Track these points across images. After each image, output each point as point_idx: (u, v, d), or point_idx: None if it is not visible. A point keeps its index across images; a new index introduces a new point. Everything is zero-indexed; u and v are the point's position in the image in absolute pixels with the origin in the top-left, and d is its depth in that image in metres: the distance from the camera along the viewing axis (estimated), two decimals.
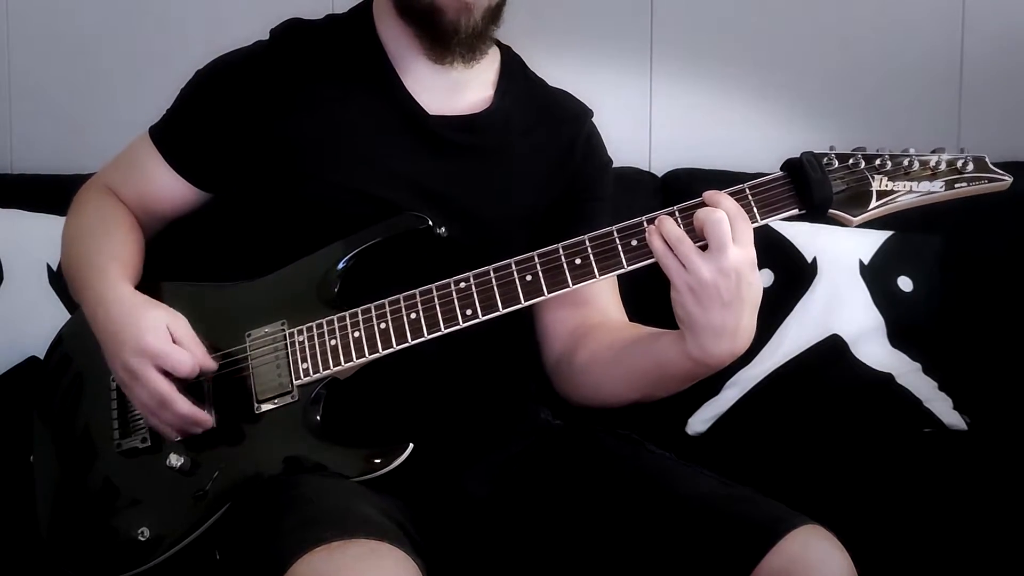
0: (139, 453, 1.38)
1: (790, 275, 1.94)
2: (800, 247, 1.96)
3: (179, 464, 1.33)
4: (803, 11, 2.22)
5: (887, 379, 1.90)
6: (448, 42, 1.38)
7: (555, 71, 1.56)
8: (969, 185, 1.24)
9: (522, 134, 1.46)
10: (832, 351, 1.91)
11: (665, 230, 1.20)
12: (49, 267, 1.85)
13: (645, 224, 1.23)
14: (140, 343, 1.32)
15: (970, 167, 1.23)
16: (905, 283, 1.95)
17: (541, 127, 1.48)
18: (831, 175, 1.22)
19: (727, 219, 1.18)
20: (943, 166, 1.23)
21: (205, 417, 1.33)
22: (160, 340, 1.32)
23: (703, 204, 1.21)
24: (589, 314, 1.43)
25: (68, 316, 1.58)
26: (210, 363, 1.35)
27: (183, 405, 1.32)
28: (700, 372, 1.27)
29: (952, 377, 1.93)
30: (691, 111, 2.22)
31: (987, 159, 1.25)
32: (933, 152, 1.24)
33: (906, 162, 1.24)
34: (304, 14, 1.49)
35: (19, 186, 2.04)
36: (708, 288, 1.18)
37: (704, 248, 1.19)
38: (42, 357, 1.57)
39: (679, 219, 1.22)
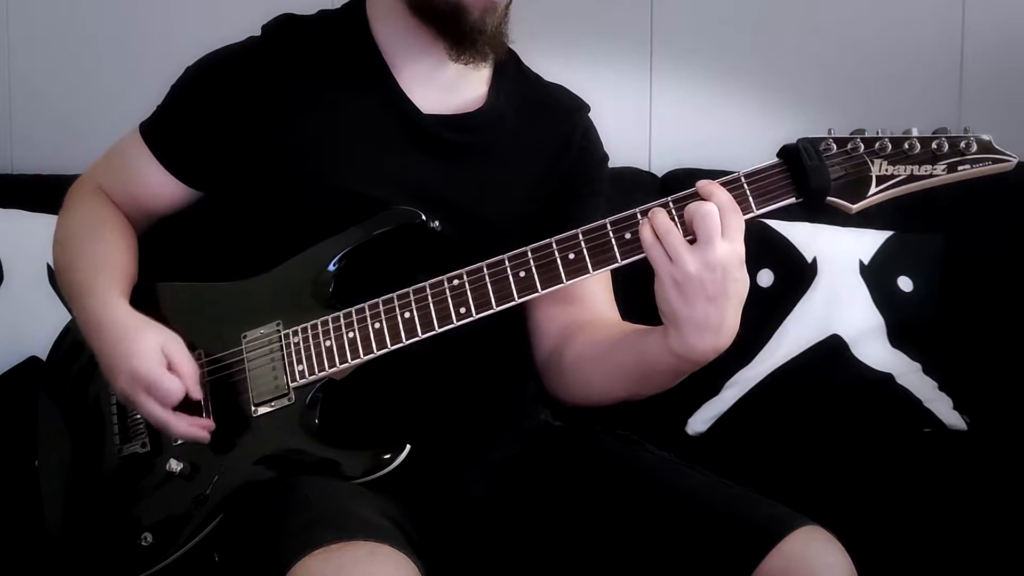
0: (139, 458, 1.38)
1: (790, 275, 1.94)
2: (800, 247, 1.95)
3: (179, 469, 1.33)
4: (803, 11, 2.22)
5: (887, 379, 1.89)
6: (475, 41, 1.35)
7: (554, 71, 1.55)
8: (972, 167, 1.18)
9: (517, 132, 1.45)
10: (832, 351, 1.91)
11: (656, 222, 1.19)
12: (49, 267, 1.84)
13: (639, 216, 1.21)
14: (133, 371, 1.30)
15: (974, 148, 1.18)
16: (905, 283, 1.95)
17: (536, 124, 1.47)
18: (829, 161, 1.20)
19: (717, 212, 1.16)
20: (945, 147, 1.18)
21: (204, 434, 1.32)
22: (151, 368, 1.30)
23: (697, 195, 1.20)
24: (580, 311, 1.42)
25: (68, 316, 1.57)
26: (197, 392, 1.32)
27: (181, 427, 1.31)
28: (684, 368, 1.25)
29: (952, 377, 1.93)
30: (691, 111, 2.21)
31: (991, 139, 1.20)
32: (935, 133, 1.19)
33: (907, 145, 1.19)
34: (301, 9, 1.48)
35: (19, 186, 2.03)
36: (693, 281, 1.16)
37: (693, 241, 1.17)
38: (42, 357, 1.56)
39: (672, 210, 1.20)
